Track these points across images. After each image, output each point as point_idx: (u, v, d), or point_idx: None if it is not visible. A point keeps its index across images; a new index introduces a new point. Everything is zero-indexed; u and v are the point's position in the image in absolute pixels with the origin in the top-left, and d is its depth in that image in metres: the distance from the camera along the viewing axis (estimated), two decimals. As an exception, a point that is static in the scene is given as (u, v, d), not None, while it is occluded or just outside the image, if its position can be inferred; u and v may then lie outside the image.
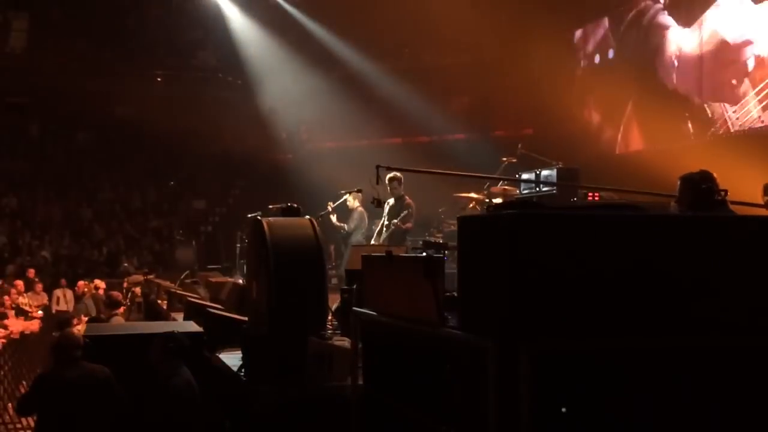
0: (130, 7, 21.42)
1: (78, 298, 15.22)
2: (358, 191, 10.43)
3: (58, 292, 15.89)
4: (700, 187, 5.29)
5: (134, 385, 5.92)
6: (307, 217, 6.62)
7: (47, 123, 22.58)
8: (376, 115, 17.63)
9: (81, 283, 15.53)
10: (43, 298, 15.57)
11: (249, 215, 10.75)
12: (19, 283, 15.11)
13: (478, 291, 3.16)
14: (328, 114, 18.81)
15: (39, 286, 15.80)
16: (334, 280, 10.86)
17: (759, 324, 3.09)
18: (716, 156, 9.49)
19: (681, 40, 12.15)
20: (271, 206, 10.50)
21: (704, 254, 3.10)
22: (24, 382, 11.26)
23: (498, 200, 9.65)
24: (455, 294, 3.36)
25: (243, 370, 5.93)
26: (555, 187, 9.02)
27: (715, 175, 5.38)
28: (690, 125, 12.05)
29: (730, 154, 9.68)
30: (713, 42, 11.46)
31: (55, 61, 20.76)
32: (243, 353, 6.08)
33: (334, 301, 6.72)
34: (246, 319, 6.84)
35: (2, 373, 10.99)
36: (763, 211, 6.62)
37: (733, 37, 11.08)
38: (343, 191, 10.53)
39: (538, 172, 9.61)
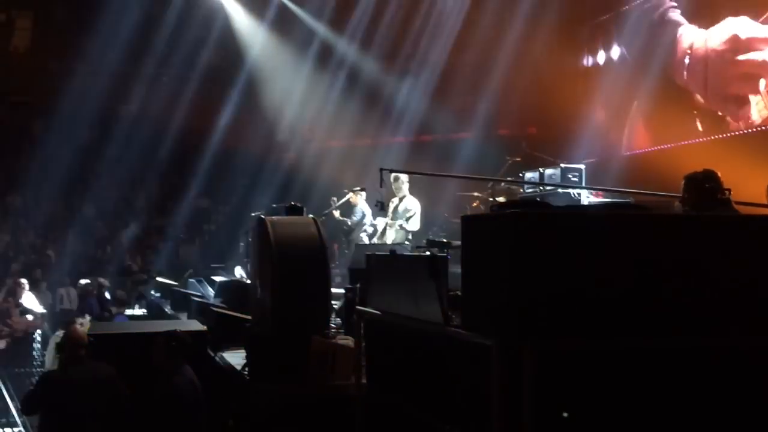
0: (134, 6, 21.42)
1: (82, 296, 15.24)
2: (362, 189, 10.45)
3: (62, 291, 15.91)
4: (704, 186, 5.27)
5: (137, 384, 5.93)
6: (311, 216, 6.62)
7: (51, 122, 22.59)
8: (380, 114, 17.63)
9: (85, 281, 15.54)
10: (47, 297, 15.59)
11: (253, 214, 10.76)
12: (23, 281, 15.13)
13: (482, 290, 3.16)
14: (332, 113, 18.81)
15: (43, 285, 15.83)
16: (338, 279, 10.87)
17: (761, 324, 3.09)
18: (724, 156, 9.45)
19: (694, 38, 12.06)
20: (274, 205, 10.51)
21: (707, 253, 3.09)
22: (27, 381, 11.28)
23: (502, 199, 9.64)
24: (459, 293, 3.36)
25: (246, 369, 5.94)
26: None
27: (719, 174, 5.36)
28: (699, 124, 11.99)
29: (738, 154, 9.62)
30: (727, 41, 11.37)
31: (58, 60, 20.78)
32: (246, 352, 6.08)
33: (337, 300, 6.73)
34: (250, 317, 6.85)
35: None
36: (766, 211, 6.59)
37: (748, 37, 10.99)
38: (346, 190, 10.54)
39: (542, 171, 9.61)
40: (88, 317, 11.27)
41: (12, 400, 10.25)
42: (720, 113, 11.63)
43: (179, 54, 20.55)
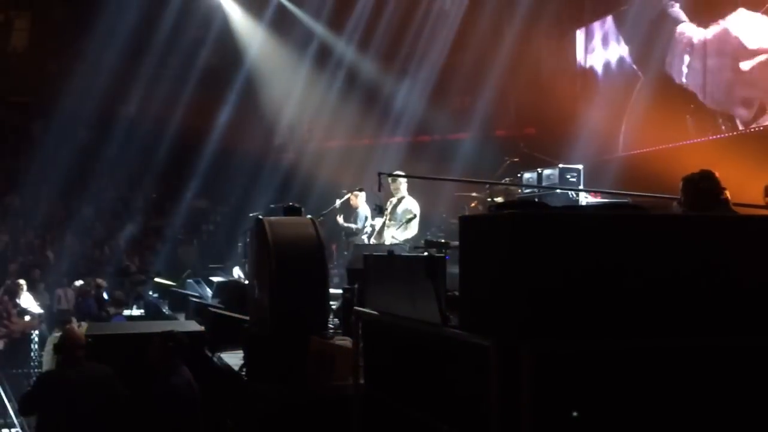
0: (133, 6, 21.40)
1: (80, 297, 15.22)
2: (360, 190, 10.44)
3: (59, 292, 15.90)
4: (701, 187, 5.28)
5: (135, 385, 5.92)
6: (309, 216, 6.62)
7: (49, 122, 22.58)
8: (379, 115, 17.64)
9: (83, 281, 15.53)
10: (45, 298, 15.57)
11: (251, 214, 10.75)
12: (22, 282, 15.11)
13: (479, 290, 3.16)
14: (331, 113, 18.81)
15: (41, 286, 15.81)
16: (336, 279, 10.86)
17: (760, 324, 3.09)
18: (723, 156, 9.44)
19: (693, 38, 12.05)
20: (272, 205, 10.50)
21: (705, 254, 3.09)
22: (25, 382, 11.27)
23: (500, 199, 9.63)
24: (457, 293, 3.36)
25: (244, 370, 5.93)
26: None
27: (716, 174, 5.36)
28: (697, 124, 11.97)
29: (737, 155, 9.61)
30: (727, 41, 11.35)
31: (57, 60, 20.78)
32: (244, 352, 6.08)
33: (335, 300, 6.73)
34: (247, 318, 6.85)
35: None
36: (764, 212, 6.60)
37: (748, 38, 10.97)
38: (345, 191, 10.53)
39: (540, 172, 9.60)
40: (83, 324, 11.24)
41: (10, 400, 10.23)
42: (720, 113, 11.62)
43: (177, 54, 20.53)
